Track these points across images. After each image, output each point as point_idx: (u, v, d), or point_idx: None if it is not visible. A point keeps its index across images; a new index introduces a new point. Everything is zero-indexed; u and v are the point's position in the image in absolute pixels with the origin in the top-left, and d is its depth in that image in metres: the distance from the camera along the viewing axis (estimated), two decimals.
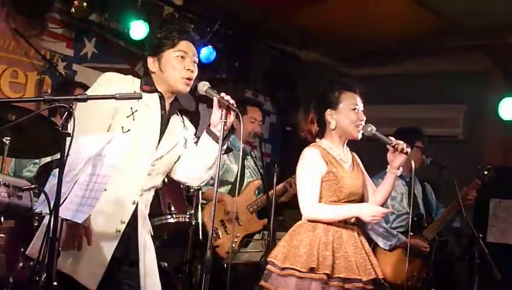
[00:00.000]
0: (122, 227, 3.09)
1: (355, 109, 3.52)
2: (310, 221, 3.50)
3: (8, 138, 3.50)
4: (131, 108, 3.08)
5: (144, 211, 3.21)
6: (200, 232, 4.83)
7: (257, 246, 5.31)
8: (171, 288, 4.73)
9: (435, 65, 7.07)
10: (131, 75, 3.25)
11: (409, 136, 4.66)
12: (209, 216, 5.15)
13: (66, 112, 2.55)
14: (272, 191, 4.98)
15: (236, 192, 5.14)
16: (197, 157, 3.26)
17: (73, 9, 5.47)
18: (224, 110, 3.04)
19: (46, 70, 5.41)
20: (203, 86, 3.12)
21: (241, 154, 3.48)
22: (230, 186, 5.23)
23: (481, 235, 4.36)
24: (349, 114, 3.51)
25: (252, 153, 5.45)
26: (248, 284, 5.29)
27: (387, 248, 5.12)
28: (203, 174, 3.31)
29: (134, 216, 3.15)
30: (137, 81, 3.21)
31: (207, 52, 6.41)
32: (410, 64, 7.20)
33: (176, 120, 3.30)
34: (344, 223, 3.47)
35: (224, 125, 3.03)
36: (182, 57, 3.17)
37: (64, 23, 5.72)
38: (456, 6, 5.83)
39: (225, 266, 4.79)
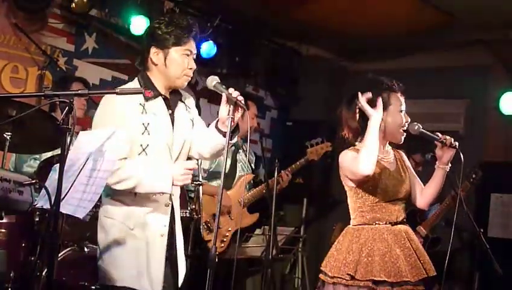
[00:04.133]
0: (166, 230, 3.24)
1: (401, 111, 3.46)
2: (355, 225, 3.46)
3: (9, 133, 3.50)
4: (142, 124, 3.14)
5: (177, 208, 3.35)
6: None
7: (258, 241, 5.31)
8: None
9: (436, 60, 7.06)
10: (132, 75, 3.31)
11: None
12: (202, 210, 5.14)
13: (67, 107, 2.55)
14: (267, 184, 4.98)
15: (221, 184, 5.13)
16: (208, 143, 3.34)
17: (73, 5, 5.47)
18: (231, 106, 3.06)
19: (46, 65, 5.40)
20: (212, 81, 3.13)
21: (248, 149, 3.49)
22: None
23: (482, 230, 4.35)
24: (396, 116, 3.44)
25: (244, 147, 5.44)
26: (241, 278, 5.31)
27: None
28: (215, 155, 3.47)
29: (172, 217, 3.29)
30: (136, 84, 3.25)
31: (208, 47, 6.41)
32: (410, 59, 7.19)
33: (180, 110, 3.34)
34: (391, 224, 3.41)
35: (231, 121, 3.05)
36: (187, 55, 3.23)
37: (65, 18, 5.71)
38: (457, 0, 5.82)
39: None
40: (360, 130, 3.46)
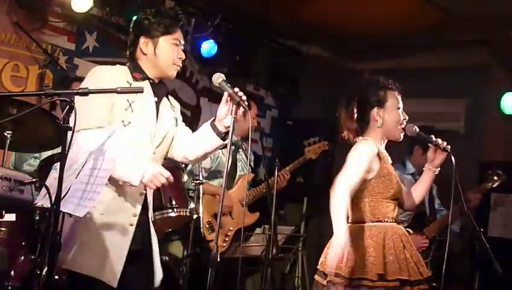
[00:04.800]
0: (135, 220, 3.17)
1: (399, 108, 3.47)
2: (354, 222, 3.36)
3: (9, 132, 3.51)
4: (127, 100, 3.12)
5: (150, 201, 3.30)
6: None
7: (258, 240, 5.31)
8: (172, 282, 4.73)
9: (436, 59, 7.06)
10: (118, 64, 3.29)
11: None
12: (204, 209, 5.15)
13: (67, 106, 2.55)
14: (267, 183, 4.98)
15: (224, 185, 5.14)
16: (197, 143, 3.32)
17: (74, 3, 5.47)
18: (234, 105, 3.06)
19: (47, 64, 5.40)
20: (218, 78, 3.13)
21: (249, 149, 3.50)
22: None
23: (482, 230, 4.36)
24: (394, 113, 3.44)
25: (244, 146, 5.44)
26: (241, 278, 5.29)
27: None
28: (200, 158, 3.44)
29: (144, 207, 3.23)
30: (125, 69, 3.24)
31: (208, 46, 6.42)
32: (411, 58, 7.19)
33: (164, 103, 3.35)
34: (392, 223, 3.38)
35: (234, 120, 3.04)
36: (176, 44, 3.25)
37: (66, 16, 5.71)
38: (457, 0, 5.82)
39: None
40: (359, 130, 3.47)
